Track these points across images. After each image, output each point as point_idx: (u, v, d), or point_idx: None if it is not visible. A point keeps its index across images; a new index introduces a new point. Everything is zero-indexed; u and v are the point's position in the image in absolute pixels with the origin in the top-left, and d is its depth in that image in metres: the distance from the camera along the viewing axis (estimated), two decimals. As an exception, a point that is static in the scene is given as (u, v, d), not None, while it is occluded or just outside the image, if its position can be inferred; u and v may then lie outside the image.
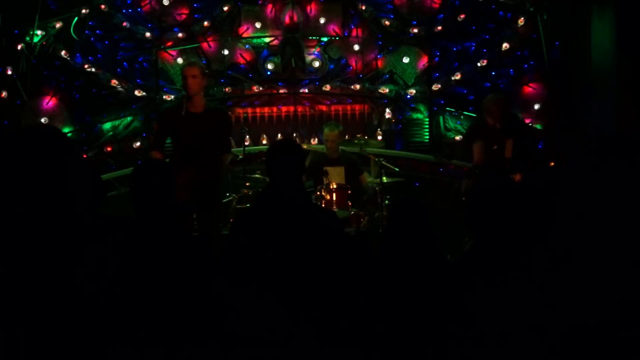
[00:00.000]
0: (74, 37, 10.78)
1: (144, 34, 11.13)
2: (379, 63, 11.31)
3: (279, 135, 10.99)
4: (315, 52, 11.26)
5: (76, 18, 10.76)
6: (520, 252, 3.07)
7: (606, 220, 2.70)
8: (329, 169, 8.96)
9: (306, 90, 11.20)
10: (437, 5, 11.32)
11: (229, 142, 7.68)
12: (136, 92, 11.00)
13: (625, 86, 9.42)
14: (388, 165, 9.14)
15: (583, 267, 2.68)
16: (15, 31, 10.34)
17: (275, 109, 11.26)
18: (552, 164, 8.04)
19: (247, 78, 11.16)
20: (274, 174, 4.57)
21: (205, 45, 11.22)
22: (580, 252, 2.69)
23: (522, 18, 10.90)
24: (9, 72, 10.22)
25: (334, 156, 9.25)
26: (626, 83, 9.40)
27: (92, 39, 11.05)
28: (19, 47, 10.36)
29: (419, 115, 11.31)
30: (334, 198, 8.62)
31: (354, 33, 11.39)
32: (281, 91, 11.19)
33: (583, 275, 2.67)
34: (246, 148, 8.93)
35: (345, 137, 9.94)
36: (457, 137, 10.90)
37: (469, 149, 8.36)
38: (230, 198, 8.95)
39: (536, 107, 10.63)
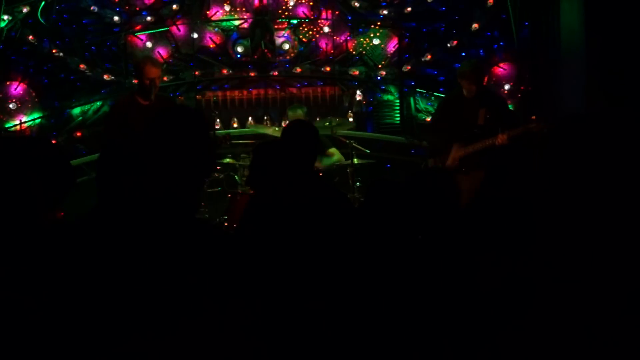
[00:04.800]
0: (42, 21, 10.67)
1: (112, 18, 11.04)
2: (349, 45, 11.28)
3: (250, 118, 10.97)
4: (285, 35, 11.23)
5: (43, 2, 10.63)
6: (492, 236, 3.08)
7: (577, 200, 2.71)
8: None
9: (276, 73, 11.17)
10: (406, -14, 11.32)
11: None
12: (105, 77, 10.92)
13: (594, 66, 9.48)
14: (359, 147, 9.13)
15: (562, 254, 2.69)
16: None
17: (245, 92, 11.23)
18: (534, 117, 7.98)
19: (217, 61, 11.11)
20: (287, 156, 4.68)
21: (174, 28, 11.15)
22: (556, 237, 2.70)
23: (492, -2, 10.92)
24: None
25: None
26: (595, 62, 9.45)
27: (59, 23, 10.94)
28: (-15, 32, 10.28)
29: (390, 97, 11.32)
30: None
31: (323, 15, 11.37)
32: (251, 74, 11.15)
33: (564, 263, 2.68)
34: (216, 131, 8.91)
35: (316, 118, 9.94)
36: (428, 119, 10.93)
37: (440, 119, 8.27)
38: (202, 182, 8.96)
39: (506, 87, 10.66)
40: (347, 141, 9.03)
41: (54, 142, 10.18)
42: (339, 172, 9.25)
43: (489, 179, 7.83)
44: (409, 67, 11.13)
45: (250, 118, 10.98)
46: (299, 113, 9.25)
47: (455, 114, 7.98)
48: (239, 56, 11.15)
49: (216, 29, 11.23)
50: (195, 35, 11.07)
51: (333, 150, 9.22)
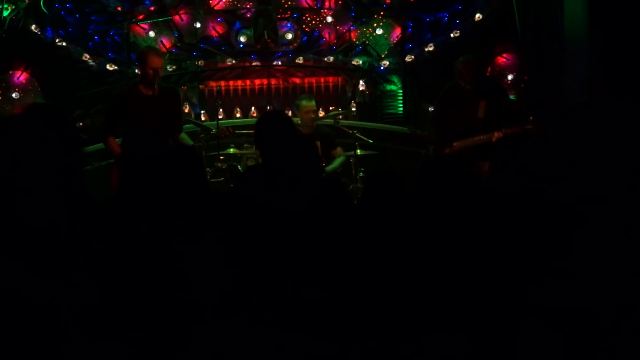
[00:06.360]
0: (44, 11, 10.64)
1: (115, 7, 11.03)
2: (352, 35, 11.26)
3: (253, 108, 10.96)
4: (288, 24, 11.21)
5: (46, -9, 10.64)
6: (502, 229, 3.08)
7: (582, 187, 2.71)
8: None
9: (279, 63, 11.16)
10: (409, -24, 11.30)
11: (181, 122, 7.67)
12: (108, 66, 10.90)
13: (597, 56, 9.45)
14: (362, 137, 9.12)
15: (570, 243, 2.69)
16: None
17: (248, 82, 11.22)
18: (531, 118, 7.93)
19: (220, 51, 11.10)
20: (263, 146, 4.66)
21: (177, 18, 11.13)
22: (560, 225, 2.69)
23: (495, -12, 10.89)
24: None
25: (307, 131, 9.11)
26: (598, 53, 9.43)
27: (62, 12, 10.92)
28: (-12, 21, 10.26)
29: (393, 87, 11.30)
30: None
31: (326, 4, 11.35)
32: (254, 64, 11.14)
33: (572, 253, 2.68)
34: (220, 121, 8.90)
35: (319, 108, 9.95)
36: (431, 108, 10.91)
37: (441, 113, 8.24)
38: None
39: (509, 77, 10.64)
40: (350, 131, 9.03)
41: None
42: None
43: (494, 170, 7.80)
44: (412, 57, 11.12)
45: (253, 108, 10.97)
46: (313, 103, 9.21)
47: (455, 106, 7.95)
48: (242, 46, 11.14)
49: (219, 18, 11.21)
50: (199, 25, 11.06)
51: (338, 150, 9.21)
